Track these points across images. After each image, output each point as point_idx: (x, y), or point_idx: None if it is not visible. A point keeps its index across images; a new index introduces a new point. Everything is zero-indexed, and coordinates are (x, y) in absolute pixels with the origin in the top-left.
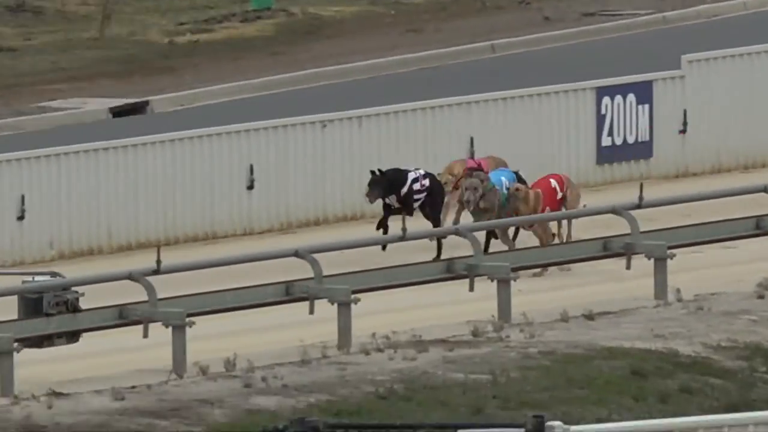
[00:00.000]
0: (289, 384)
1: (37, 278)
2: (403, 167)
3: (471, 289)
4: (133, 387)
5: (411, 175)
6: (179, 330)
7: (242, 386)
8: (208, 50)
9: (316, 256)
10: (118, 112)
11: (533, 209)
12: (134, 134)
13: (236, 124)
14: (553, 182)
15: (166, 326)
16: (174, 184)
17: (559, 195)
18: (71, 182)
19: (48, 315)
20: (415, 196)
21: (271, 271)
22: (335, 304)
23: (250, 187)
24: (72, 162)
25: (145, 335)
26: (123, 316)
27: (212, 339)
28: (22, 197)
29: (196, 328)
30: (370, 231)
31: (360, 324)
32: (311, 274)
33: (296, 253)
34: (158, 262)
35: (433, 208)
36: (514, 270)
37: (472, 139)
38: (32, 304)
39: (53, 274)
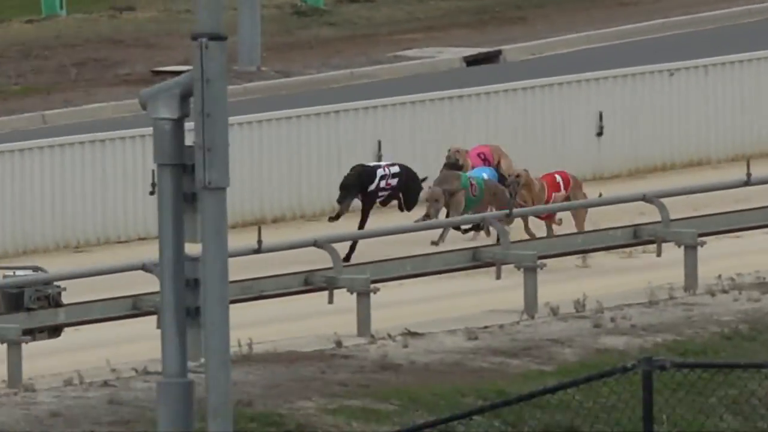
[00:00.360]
0: (637, 324)
1: (18, 272)
2: (371, 163)
3: None
4: (486, 327)
5: (379, 172)
6: (530, 272)
7: (592, 326)
8: (559, 0)
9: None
10: (471, 61)
11: (539, 198)
12: (487, 83)
13: (586, 73)
14: (558, 177)
15: (518, 268)
16: (525, 131)
17: (562, 192)
18: (425, 128)
19: (29, 310)
20: (380, 194)
21: (619, 215)
22: (681, 247)
23: (600, 133)
24: (426, 108)
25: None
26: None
27: (560, 283)
28: (379, 143)
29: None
30: (714, 176)
31: (707, 267)
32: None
33: (644, 198)
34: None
35: (407, 201)
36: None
37: None
38: (13, 298)
39: (35, 269)
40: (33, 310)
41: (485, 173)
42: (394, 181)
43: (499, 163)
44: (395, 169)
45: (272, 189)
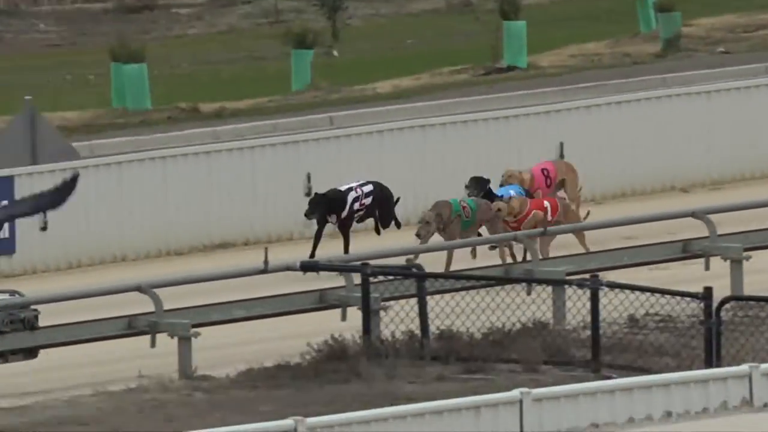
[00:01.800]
0: None
1: None
2: (343, 187)
3: None
4: None
5: (351, 195)
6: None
7: None
8: None
9: None
10: None
11: (518, 219)
12: None
13: None
14: (546, 203)
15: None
16: None
17: (549, 217)
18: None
19: (1, 332)
20: (355, 215)
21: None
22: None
23: None
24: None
25: None
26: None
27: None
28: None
29: None
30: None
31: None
32: None
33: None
34: None
35: (383, 218)
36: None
37: None
38: None
39: (12, 293)
40: (4, 332)
41: (512, 190)
42: (367, 200)
43: (563, 181)
44: (368, 188)
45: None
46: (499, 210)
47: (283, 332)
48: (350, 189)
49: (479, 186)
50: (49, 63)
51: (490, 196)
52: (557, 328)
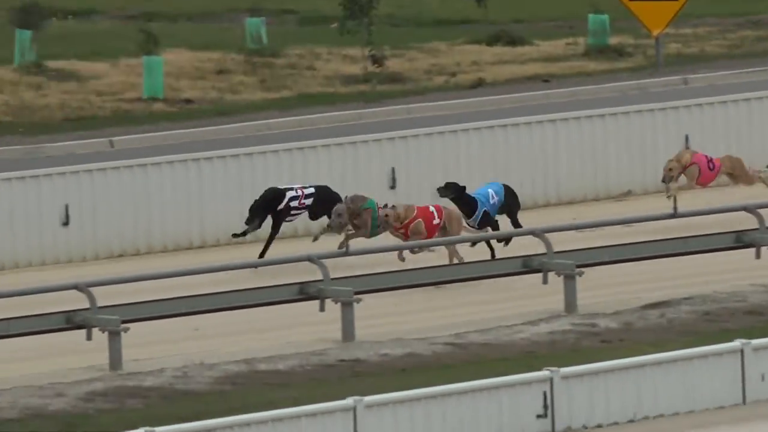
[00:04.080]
0: None
1: None
2: (283, 186)
3: None
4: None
5: (289, 194)
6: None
7: None
8: None
9: None
10: None
11: (405, 223)
12: None
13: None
14: (432, 209)
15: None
16: None
17: (436, 221)
18: None
19: None
20: (292, 212)
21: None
22: None
23: None
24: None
25: None
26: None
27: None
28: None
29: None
30: None
31: None
32: None
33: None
34: None
35: (319, 215)
36: None
37: None
38: None
39: None
40: None
41: (491, 189)
42: (308, 201)
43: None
44: (310, 190)
45: None
46: (387, 216)
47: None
48: (290, 188)
49: (450, 190)
50: None
51: (468, 200)
52: None
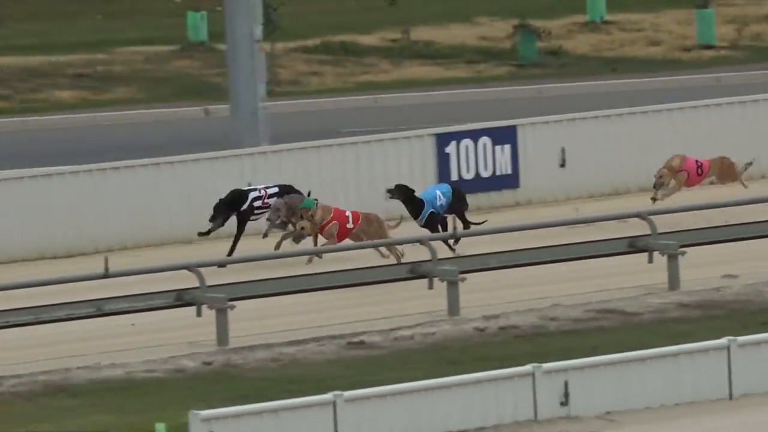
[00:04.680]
0: None
1: None
2: (247, 187)
3: None
4: None
5: (252, 194)
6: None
7: None
8: None
9: None
10: None
11: (321, 225)
12: None
13: None
14: (348, 213)
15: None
16: None
17: (350, 226)
18: None
19: None
20: (256, 212)
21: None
22: None
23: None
24: None
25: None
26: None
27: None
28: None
29: None
30: None
31: None
32: None
33: None
34: None
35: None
36: None
37: None
38: None
39: None
40: None
41: (438, 190)
42: (271, 200)
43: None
44: (273, 189)
45: None
46: (303, 229)
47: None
48: (253, 189)
49: (398, 192)
50: None
51: (416, 201)
52: None
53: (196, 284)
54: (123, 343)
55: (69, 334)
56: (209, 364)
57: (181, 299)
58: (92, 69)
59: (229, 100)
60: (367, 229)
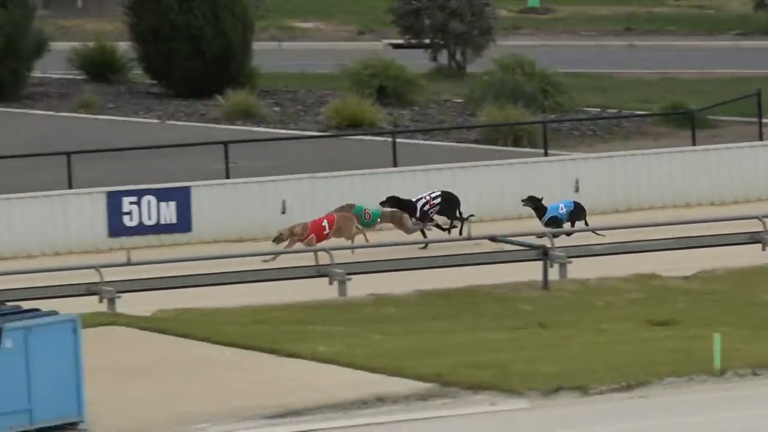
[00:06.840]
0: None
1: None
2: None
3: None
4: None
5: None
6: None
7: None
8: None
9: None
10: None
11: (302, 237)
12: None
13: None
14: (324, 222)
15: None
16: None
17: (326, 232)
18: None
19: None
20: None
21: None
22: None
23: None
24: None
25: None
26: None
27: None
28: None
29: None
30: None
31: None
32: None
33: None
34: None
35: None
36: None
37: None
38: None
39: None
40: None
41: (563, 204)
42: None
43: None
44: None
45: None
46: (281, 233)
47: None
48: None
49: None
50: None
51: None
52: None
53: None
54: None
55: None
56: None
57: None
58: None
59: None
60: (342, 226)
